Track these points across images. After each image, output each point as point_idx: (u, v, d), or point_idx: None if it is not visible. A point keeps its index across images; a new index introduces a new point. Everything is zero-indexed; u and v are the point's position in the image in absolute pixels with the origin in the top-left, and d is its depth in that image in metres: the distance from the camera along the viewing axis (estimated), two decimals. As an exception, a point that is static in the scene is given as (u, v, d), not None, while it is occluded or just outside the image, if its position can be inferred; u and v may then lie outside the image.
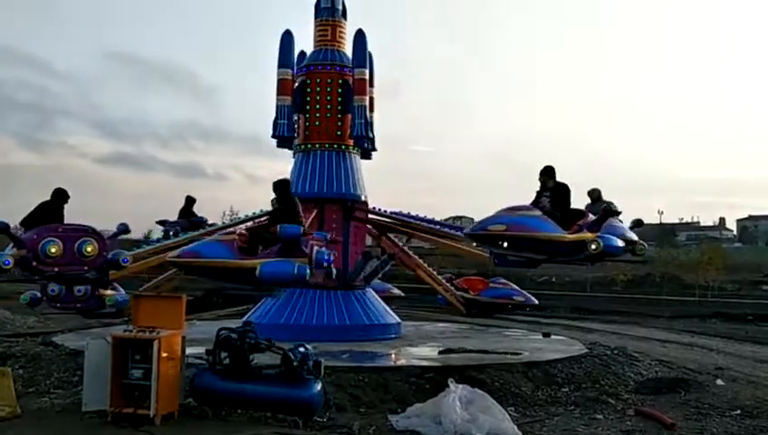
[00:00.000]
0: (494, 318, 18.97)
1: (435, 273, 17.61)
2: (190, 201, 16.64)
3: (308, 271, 10.73)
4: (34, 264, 10.14)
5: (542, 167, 11.64)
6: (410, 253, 17.45)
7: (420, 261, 17.49)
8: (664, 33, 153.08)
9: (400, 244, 17.05)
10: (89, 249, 10.33)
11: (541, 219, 11.12)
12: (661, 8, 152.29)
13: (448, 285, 17.34)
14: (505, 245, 11.17)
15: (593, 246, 10.73)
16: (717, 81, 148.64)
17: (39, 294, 13.31)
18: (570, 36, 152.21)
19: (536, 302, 17.55)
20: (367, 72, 15.12)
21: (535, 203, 11.45)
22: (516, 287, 17.37)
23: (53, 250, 10.06)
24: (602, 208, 11.26)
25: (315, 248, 11.09)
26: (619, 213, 11.41)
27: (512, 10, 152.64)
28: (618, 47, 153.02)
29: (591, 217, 11.28)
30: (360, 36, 15.14)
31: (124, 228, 11.95)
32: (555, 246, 11.21)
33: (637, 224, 12.07)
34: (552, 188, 11.46)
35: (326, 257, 11.05)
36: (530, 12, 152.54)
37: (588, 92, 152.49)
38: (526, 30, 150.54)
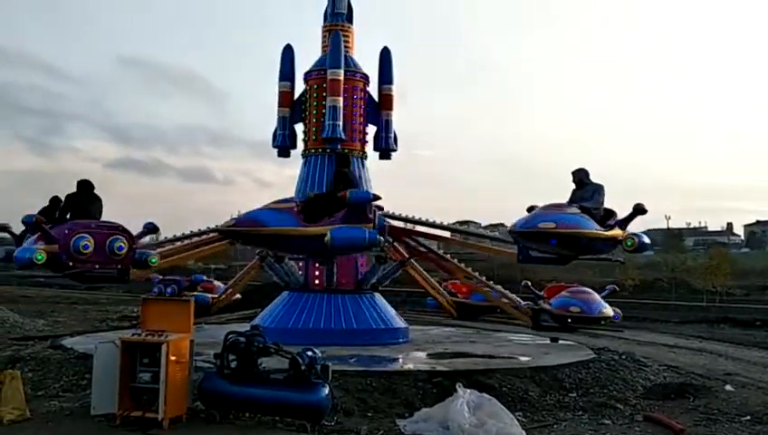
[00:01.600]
0: (505, 323, 19.00)
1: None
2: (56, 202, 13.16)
3: (378, 237, 10.78)
4: (65, 259, 10.10)
5: (575, 168, 12.43)
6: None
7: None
8: (671, 36, 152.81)
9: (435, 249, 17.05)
10: (120, 246, 10.37)
11: (583, 217, 11.73)
12: (668, 12, 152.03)
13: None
14: (554, 242, 11.69)
15: (629, 243, 11.66)
16: (725, 85, 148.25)
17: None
18: (575, 40, 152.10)
19: (606, 314, 15.74)
20: (393, 87, 15.66)
21: (571, 202, 12.10)
22: (590, 298, 15.73)
23: (86, 246, 10.06)
24: (634, 207, 11.87)
25: (378, 214, 11.06)
26: (646, 211, 11.90)
27: (518, 13, 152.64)
28: (625, 51, 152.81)
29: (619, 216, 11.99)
30: (386, 54, 15.76)
31: (152, 227, 11.62)
32: (596, 243, 11.85)
33: (639, 210, 12.00)
34: (588, 187, 12.21)
35: (384, 223, 11.11)
36: (537, 15, 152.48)
37: (595, 97, 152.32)
38: (531, 33, 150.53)
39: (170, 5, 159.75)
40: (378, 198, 11.56)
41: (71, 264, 10.29)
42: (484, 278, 16.95)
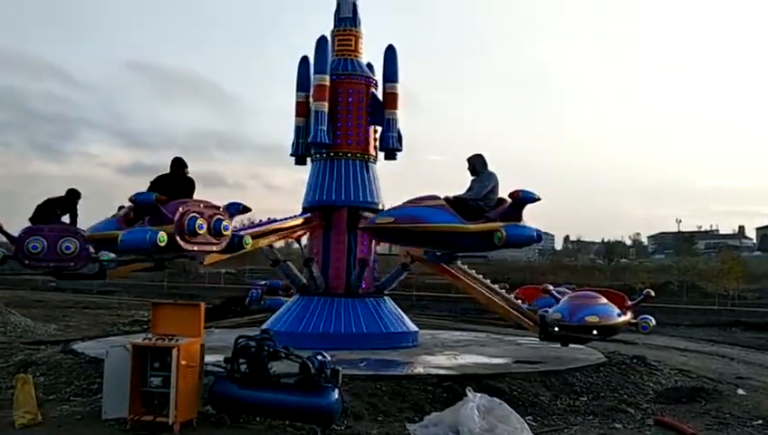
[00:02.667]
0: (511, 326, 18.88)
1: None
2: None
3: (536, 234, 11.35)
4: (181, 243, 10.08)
5: (471, 155, 12.20)
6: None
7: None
8: (684, 41, 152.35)
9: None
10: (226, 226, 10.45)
11: (440, 209, 11.30)
12: (681, 16, 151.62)
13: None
14: (388, 236, 11.67)
15: (498, 235, 11.21)
16: (738, 89, 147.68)
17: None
18: (587, 44, 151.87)
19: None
20: (398, 86, 15.51)
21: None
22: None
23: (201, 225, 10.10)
24: (510, 195, 11.38)
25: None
26: (535, 199, 11.44)
27: (527, 17, 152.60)
28: (637, 55, 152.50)
29: (508, 203, 11.59)
30: (390, 52, 15.59)
31: (240, 207, 11.26)
32: (452, 238, 11.48)
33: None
34: (478, 177, 11.99)
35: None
36: (548, 18, 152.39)
37: (605, 101, 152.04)
38: (542, 36, 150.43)
39: (181, 12, 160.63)
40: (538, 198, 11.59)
41: (182, 245, 10.12)
42: (488, 281, 16.60)
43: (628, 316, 12.64)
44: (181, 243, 10.06)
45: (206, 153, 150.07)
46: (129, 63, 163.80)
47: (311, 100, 14.94)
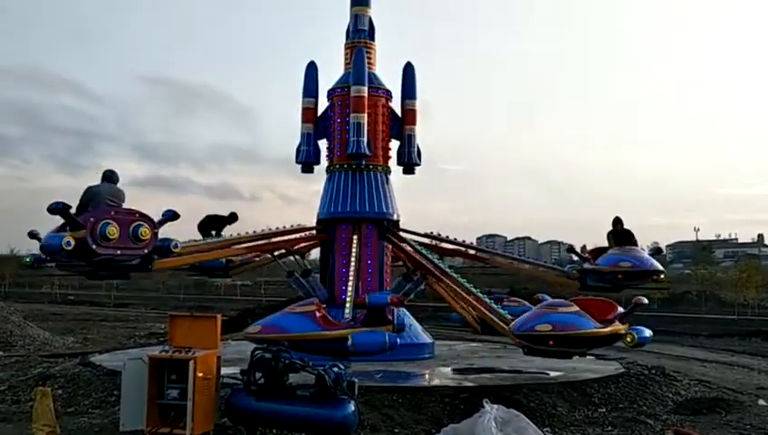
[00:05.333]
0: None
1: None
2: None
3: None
4: (91, 244, 10.19)
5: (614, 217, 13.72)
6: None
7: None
8: (702, 46, 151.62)
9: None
10: (143, 232, 10.56)
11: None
12: (698, 20, 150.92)
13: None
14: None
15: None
16: (754, 96, 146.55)
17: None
18: (602, 50, 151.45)
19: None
20: (416, 102, 15.74)
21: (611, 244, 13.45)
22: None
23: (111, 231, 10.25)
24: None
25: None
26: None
27: (539, 26, 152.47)
28: (654, 61, 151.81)
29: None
30: (409, 69, 15.82)
31: (172, 214, 11.41)
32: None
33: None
34: (624, 232, 13.40)
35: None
36: (562, 25, 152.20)
37: (623, 108, 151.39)
38: (555, 44, 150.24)
39: (196, 26, 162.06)
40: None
41: (95, 248, 10.29)
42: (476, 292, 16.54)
43: (611, 327, 11.63)
44: (93, 246, 10.27)
45: (221, 166, 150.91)
46: (145, 77, 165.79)
47: (350, 112, 14.95)
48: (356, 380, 8.74)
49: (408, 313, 15.41)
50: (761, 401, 11.79)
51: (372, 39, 16.04)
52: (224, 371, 9.35)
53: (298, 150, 15.70)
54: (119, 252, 10.63)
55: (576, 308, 11.64)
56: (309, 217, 16.04)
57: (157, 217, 11.13)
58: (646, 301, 11.92)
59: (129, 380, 8.96)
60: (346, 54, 15.98)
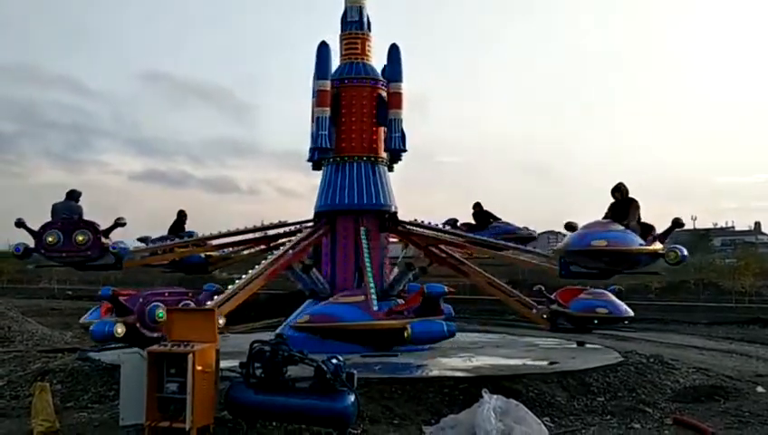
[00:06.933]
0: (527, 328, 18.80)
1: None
2: (182, 216, 16.66)
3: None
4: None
5: (616, 184, 12.66)
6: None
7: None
8: (696, 34, 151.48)
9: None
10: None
11: (629, 233, 12.05)
12: (694, 9, 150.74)
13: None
14: (606, 259, 12.17)
15: (672, 256, 12.03)
16: (750, 83, 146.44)
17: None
18: (596, 41, 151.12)
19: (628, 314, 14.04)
20: (402, 85, 15.33)
21: (610, 216, 12.46)
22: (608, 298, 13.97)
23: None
24: (672, 221, 12.30)
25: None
26: (683, 224, 12.67)
27: (539, 17, 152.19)
28: (648, 49, 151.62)
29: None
30: (394, 51, 15.43)
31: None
32: (640, 258, 12.26)
33: (677, 224, 12.41)
34: (622, 203, 12.49)
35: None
36: (561, 17, 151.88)
37: (619, 98, 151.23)
38: (553, 35, 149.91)
39: (191, 20, 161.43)
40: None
41: (145, 333, 11.21)
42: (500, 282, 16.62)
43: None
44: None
45: (219, 160, 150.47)
46: (141, 72, 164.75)
47: (313, 106, 14.91)
48: (355, 371, 8.75)
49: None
50: (759, 388, 11.81)
51: (369, 29, 15.95)
52: (223, 364, 9.35)
53: (315, 136, 14.88)
54: (67, 257, 12.02)
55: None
56: (308, 210, 16.00)
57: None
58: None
59: (128, 374, 8.97)
60: (343, 44, 15.89)
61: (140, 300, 11.14)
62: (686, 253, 12.38)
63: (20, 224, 12.94)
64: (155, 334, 10.90)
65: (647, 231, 12.35)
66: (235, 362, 9.38)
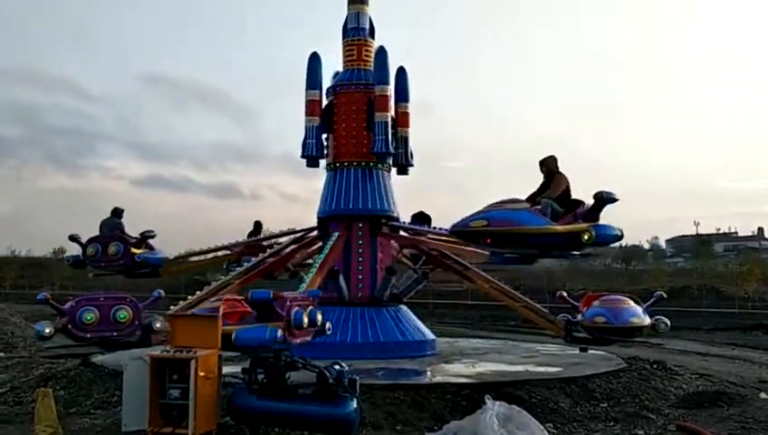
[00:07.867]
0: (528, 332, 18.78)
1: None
2: (258, 226, 18.29)
3: None
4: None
5: (543, 157, 11.98)
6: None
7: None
8: (700, 38, 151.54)
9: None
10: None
11: (528, 212, 11.23)
12: (696, 12, 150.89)
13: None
14: (488, 241, 11.35)
15: (585, 237, 11.00)
16: (755, 87, 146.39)
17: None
18: (601, 45, 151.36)
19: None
20: (388, 88, 15.31)
21: (537, 195, 11.67)
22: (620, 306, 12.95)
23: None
24: (594, 196, 11.20)
25: None
26: (615, 200, 11.24)
27: (544, 22, 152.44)
28: (650, 51, 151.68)
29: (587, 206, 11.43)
30: (380, 53, 15.38)
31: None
32: (544, 239, 11.27)
33: (600, 199, 11.30)
34: (546, 178, 11.81)
35: None
36: (566, 22, 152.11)
37: (623, 101, 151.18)
38: (558, 39, 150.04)
39: (194, 23, 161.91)
40: None
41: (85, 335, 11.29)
42: (509, 288, 16.55)
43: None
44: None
45: (221, 164, 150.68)
46: (143, 76, 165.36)
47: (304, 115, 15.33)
48: (357, 377, 8.74)
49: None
50: (762, 394, 11.78)
51: (371, 35, 16.06)
52: (225, 369, 9.35)
53: (303, 144, 15.52)
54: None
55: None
56: (310, 215, 16.10)
57: None
58: (665, 295, 12.71)
59: (131, 380, 8.95)
60: (344, 51, 16.03)
61: (73, 304, 11.46)
62: (610, 232, 11.33)
63: (73, 238, 14.69)
64: (88, 335, 11.23)
65: (573, 208, 11.55)
66: (237, 368, 9.37)
